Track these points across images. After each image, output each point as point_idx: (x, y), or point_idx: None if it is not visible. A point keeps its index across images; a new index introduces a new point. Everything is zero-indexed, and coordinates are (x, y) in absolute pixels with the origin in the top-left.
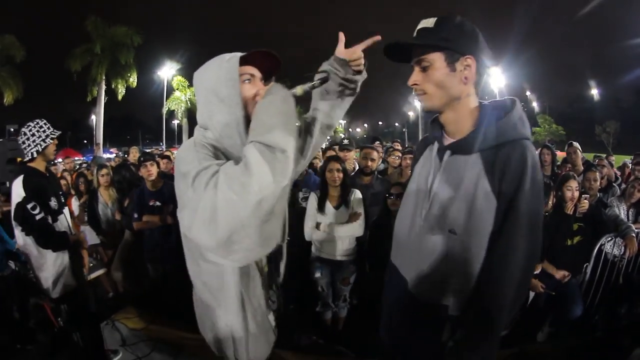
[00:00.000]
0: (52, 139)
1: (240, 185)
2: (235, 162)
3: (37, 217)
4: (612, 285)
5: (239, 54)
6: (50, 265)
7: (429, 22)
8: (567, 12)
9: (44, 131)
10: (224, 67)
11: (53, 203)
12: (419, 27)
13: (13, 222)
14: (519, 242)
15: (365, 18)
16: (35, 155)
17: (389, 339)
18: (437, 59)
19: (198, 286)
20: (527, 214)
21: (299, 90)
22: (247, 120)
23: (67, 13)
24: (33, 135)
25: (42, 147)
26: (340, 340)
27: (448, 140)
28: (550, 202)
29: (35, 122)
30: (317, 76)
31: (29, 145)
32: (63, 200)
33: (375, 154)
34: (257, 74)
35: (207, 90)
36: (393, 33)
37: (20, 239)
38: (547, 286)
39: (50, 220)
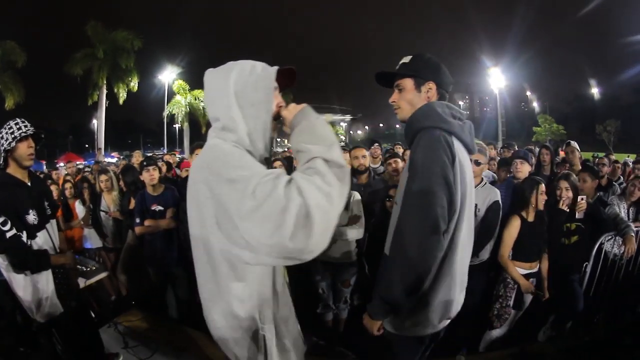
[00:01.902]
0: (19, 139)
1: (326, 193)
2: (282, 170)
3: (8, 235)
4: (613, 285)
5: (273, 67)
6: (28, 289)
7: (406, 59)
8: (567, 11)
9: (12, 132)
10: (257, 74)
11: (31, 217)
12: (400, 62)
13: None
14: (409, 200)
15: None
16: (4, 159)
17: None
18: (408, 83)
19: (225, 299)
20: (420, 177)
21: (328, 117)
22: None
23: (68, 18)
24: (3, 139)
25: (9, 149)
26: (341, 341)
27: None
28: (535, 198)
29: (6, 124)
30: (344, 112)
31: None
32: (49, 212)
33: (364, 152)
34: (277, 86)
35: (234, 93)
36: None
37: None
38: (549, 284)
39: (25, 237)
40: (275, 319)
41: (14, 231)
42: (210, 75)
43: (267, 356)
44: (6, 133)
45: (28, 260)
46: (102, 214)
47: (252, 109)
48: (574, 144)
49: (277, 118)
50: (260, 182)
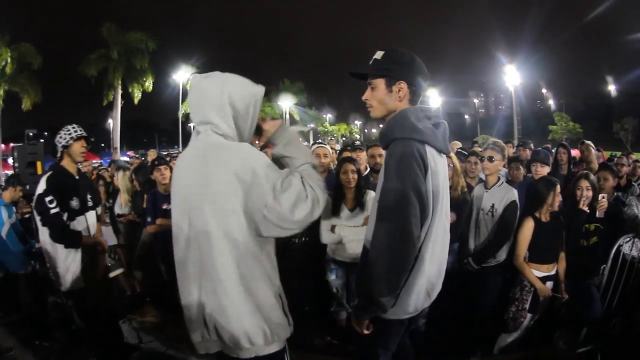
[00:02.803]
0: (75, 139)
1: (320, 187)
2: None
3: (52, 211)
4: (630, 288)
5: (262, 87)
6: (61, 259)
7: (378, 55)
8: (583, 7)
9: (70, 133)
10: (249, 91)
11: (74, 203)
12: (373, 57)
13: (34, 212)
14: (383, 209)
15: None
16: (61, 154)
17: None
18: (379, 83)
19: (248, 277)
20: (392, 193)
21: (298, 128)
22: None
23: (82, 20)
24: (61, 137)
25: (66, 146)
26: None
27: None
28: (551, 199)
29: (64, 127)
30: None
31: (57, 145)
32: (91, 204)
33: (382, 151)
34: None
35: (230, 104)
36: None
37: (41, 230)
38: (566, 287)
39: (65, 217)
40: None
41: (57, 210)
42: (202, 82)
43: (286, 313)
44: (65, 134)
45: (64, 235)
46: (116, 209)
47: (242, 120)
48: (589, 142)
49: (257, 129)
50: (287, 178)
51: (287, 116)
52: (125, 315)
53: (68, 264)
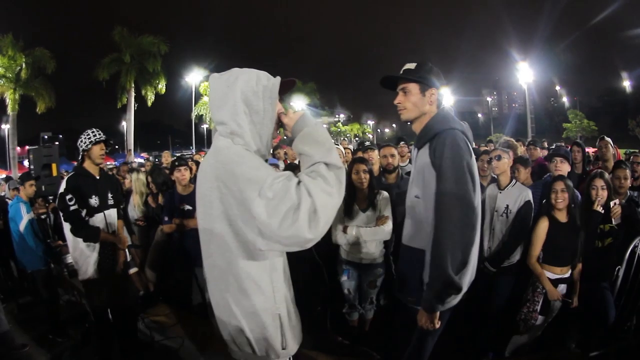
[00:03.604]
0: (94, 142)
1: (328, 193)
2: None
3: (71, 208)
4: None
5: (277, 78)
6: (81, 250)
7: (411, 65)
8: (597, 3)
9: (89, 137)
10: (263, 85)
11: (93, 201)
12: (404, 68)
13: (58, 209)
14: (445, 192)
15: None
16: (82, 157)
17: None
18: (414, 88)
19: (244, 287)
20: (451, 174)
21: (325, 120)
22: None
23: (95, 25)
24: (82, 141)
25: (86, 149)
26: (366, 341)
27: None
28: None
29: (85, 132)
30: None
31: (79, 148)
32: (112, 202)
33: (394, 151)
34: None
35: (241, 100)
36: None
37: (65, 225)
38: (580, 289)
39: (84, 213)
40: (287, 299)
41: (76, 206)
42: (216, 81)
43: (283, 337)
44: (85, 138)
45: (82, 230)
46: (129, 209)
47: (257, 116)
48: (608, 138)
49: (278, 124)
50: (274, 183)
51: None
52: (138, 313)
53: (88, 254)
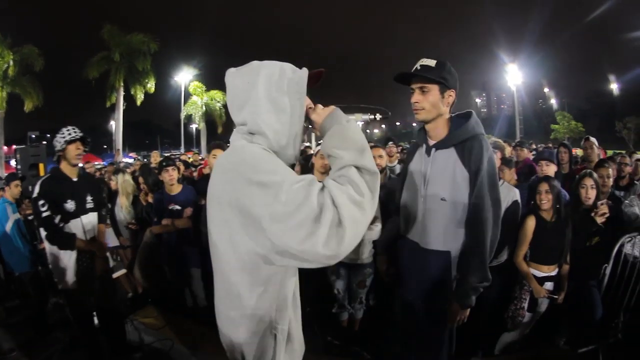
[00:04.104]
0: (68, 141)
1: (358, 203)
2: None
3: (43, 214)
4: (632, 288)
5: (304, 70)
6: (59, 258)
7: (430, 62)
8: (585, 6)
9: (63, 136)
10: (288, 78)
11: (69, 205)
12: (422, 63)
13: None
14: (482, 196)
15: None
16: (58, 157)
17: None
18: (434, 88)
19: (243, 297)
20: (488, 178)
21: (358, 117)
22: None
23: (84, 22)
24: (57, 140)
25: (60, 149)
26: (356, 341)
27: (432, 142)
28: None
29: (60, 130)
30: (374, 112)
31: (54, 149)
32: (91, 206)
33: (382, 152)
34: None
35: (261, 98)
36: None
37: (41, 230)
38: (568, 287)
39: (58, 219)
40: (290, 321)
41: (48, 213)
42: (235, 77)
43: (275, 356)
44: (60, 137)
45: (55, 237)
46: (116, 210)
47: (283, 114)
48: (593, 139)
49: (306, 120)
50: (292, 189)
51: None
52: (127, 316)
53: (65, 263)
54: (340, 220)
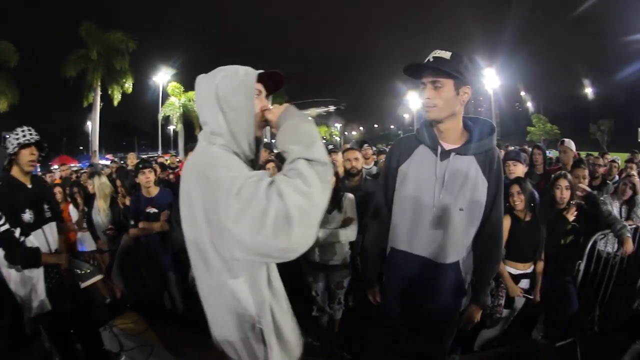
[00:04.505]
0: (22, 145)
1: (305, 194)
2: (267, 172)
3: (1, 229)
4: (606, 283)
5: (254, 70)
6: (20, 283)
7: (445, 54)
8: (560, 12)
9: (17, 139)
10: (239, 79)
11: (27, 216)
12: (436, 55)
13: None
14: (501, 206)
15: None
16: (9, 161)
17: (406, 312)
18: (448, 83)
19: (220, 297)
20: (502, 190)
21: (312, 112)
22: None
23: (61, 19)
24: (9, 142)
25: (12, 154)
26: (336, 342)
27: (448, 146)
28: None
29: (14, 130)
30: (327, 104)
31: (6, 152)
32: (49, 215)
33: (358, 154)
34: (263, 90)
35: (217, 98)
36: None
37: None
38: (543, 284)
39: (18, 233)
40: (273, 313)
41: (7, 226)
42: (200, 81)
43: (267, 350)
44: (13, 138)
45: (18, 255)
46: (94, 214)
47: (235, 113)
48: (568, 142)
49: (266, 121)
50: (244, 184)
51: None
52: (106, 322)
53: (32, 284)
54: (287, 212)
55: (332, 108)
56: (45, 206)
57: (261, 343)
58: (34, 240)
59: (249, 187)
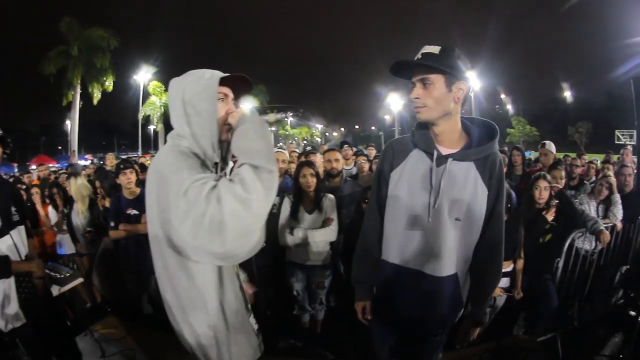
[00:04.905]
0: None
1: (243, 200)
2: (217, 175)
3: None
4: (585, 279)
5: (219, 74)
6: None
7: (433, 49)
8: (541, 17)
9: None
10: (203, 83)
11: None
12: (424, 51)
13: None
14: (501, 215)
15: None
16: None
17: (399, 326)
18: (438, 80)
19: (174, 293)
20: (504, 198)
21: (271, 117)
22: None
23: (41, 14)
24: None
25: None
26: (319, 342)
27: (445, 150)
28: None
29: None
30: (285, 110)
31: None
32: (17, 219)
33: (338, 155)
34: (230, 94)
35: (184, 101)
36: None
37: None
38: (523, 282)
39: None
40: (224, 312)
41: None
42: (171, 84)
43: (220, 348)
44: None
45: None
46: (73, 216)
47: (198, 117)
48: (549, 144)
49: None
50: (191, 186)
51: None
52: (86, 327)
53: (4, 297)
54: (222, 217)
55: (289, 114)
56: (13, 209)
57: (214, 345)
58: (1, 247)
59: (195, 189)
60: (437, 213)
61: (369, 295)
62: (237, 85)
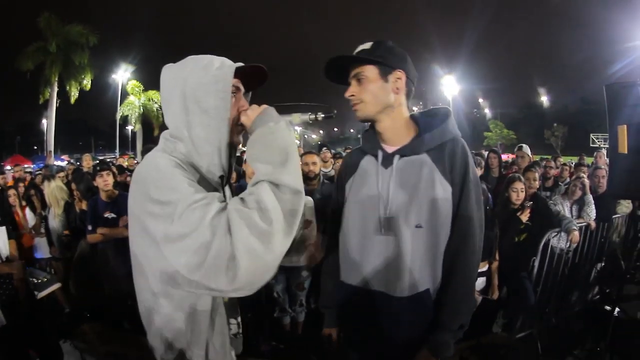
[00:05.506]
0: None
1: (261, 233)
2: (221, 195)
3: None
4: (560, 277)
5: (232, 63)
6: None
7: (366, 45)
8: (518, 22)
9: None
10: (212, 74)
11: None
12: (358, 49)
13: None
14: (473, 214)
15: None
16: None
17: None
18: (371, 71)
19: (159, 314)
20: (475, 192)
21: (296, 118)
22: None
23: (19, 9)
24: None
25: None
26: (300, 344)
27: (391, 148)
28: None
29: None
30: (315, 111)
31: None
32: None
33: (316, 158)
34: (242, 87)
35: (185, 95)
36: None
37: None
38: (500, 282)
39: None
40: (207, 345)
41: None
42: (166, 73)
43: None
44: None
45: None
46: (50, 219)
47: (204, 115)
48: (525, 148)
49: (239, 125)
50: (189, 208)
51: None
52: (65, 333)
53: None
54: (234, 254)
55: (321, 116)
56: None
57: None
58: None
59: (194, 213)
60: (391, 222)
61: (334, 322)
62: (248, 78)
